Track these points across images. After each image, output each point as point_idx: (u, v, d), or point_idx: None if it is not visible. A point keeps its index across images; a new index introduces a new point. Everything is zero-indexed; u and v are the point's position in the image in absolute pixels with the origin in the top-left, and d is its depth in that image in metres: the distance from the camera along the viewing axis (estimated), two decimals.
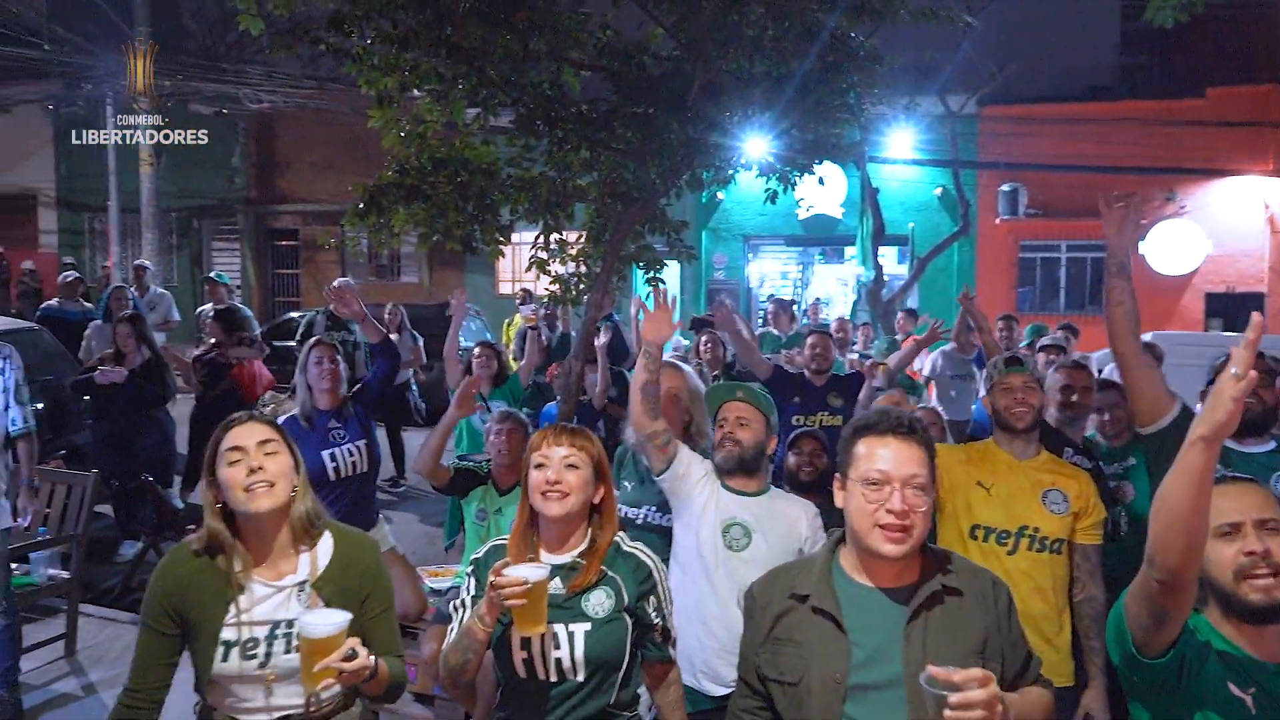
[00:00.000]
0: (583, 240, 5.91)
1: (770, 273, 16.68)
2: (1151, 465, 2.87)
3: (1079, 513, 2.90)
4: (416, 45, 4.91)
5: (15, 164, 18.09)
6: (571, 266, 5.91)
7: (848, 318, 10.95)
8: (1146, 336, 5.32)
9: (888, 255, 14.09)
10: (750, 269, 16.35)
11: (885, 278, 12.57)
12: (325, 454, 4.12)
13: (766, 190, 5.94)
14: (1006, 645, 1.85)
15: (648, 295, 5.27)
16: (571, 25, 5.17)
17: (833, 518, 3.03)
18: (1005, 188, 14.52)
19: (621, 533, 2.34)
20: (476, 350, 5.84)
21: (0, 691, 4.10)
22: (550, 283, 5.92)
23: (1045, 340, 6.80)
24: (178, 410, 7.07)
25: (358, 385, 4.49)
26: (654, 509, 3.24)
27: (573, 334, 7.10)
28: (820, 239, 16.05)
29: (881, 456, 1.82)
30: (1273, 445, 3.09)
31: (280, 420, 4.25)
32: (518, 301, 10.86)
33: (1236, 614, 1.75)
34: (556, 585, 2.19)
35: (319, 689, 1.91)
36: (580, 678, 2.17)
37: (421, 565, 4.76)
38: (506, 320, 11.22)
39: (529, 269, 5.82)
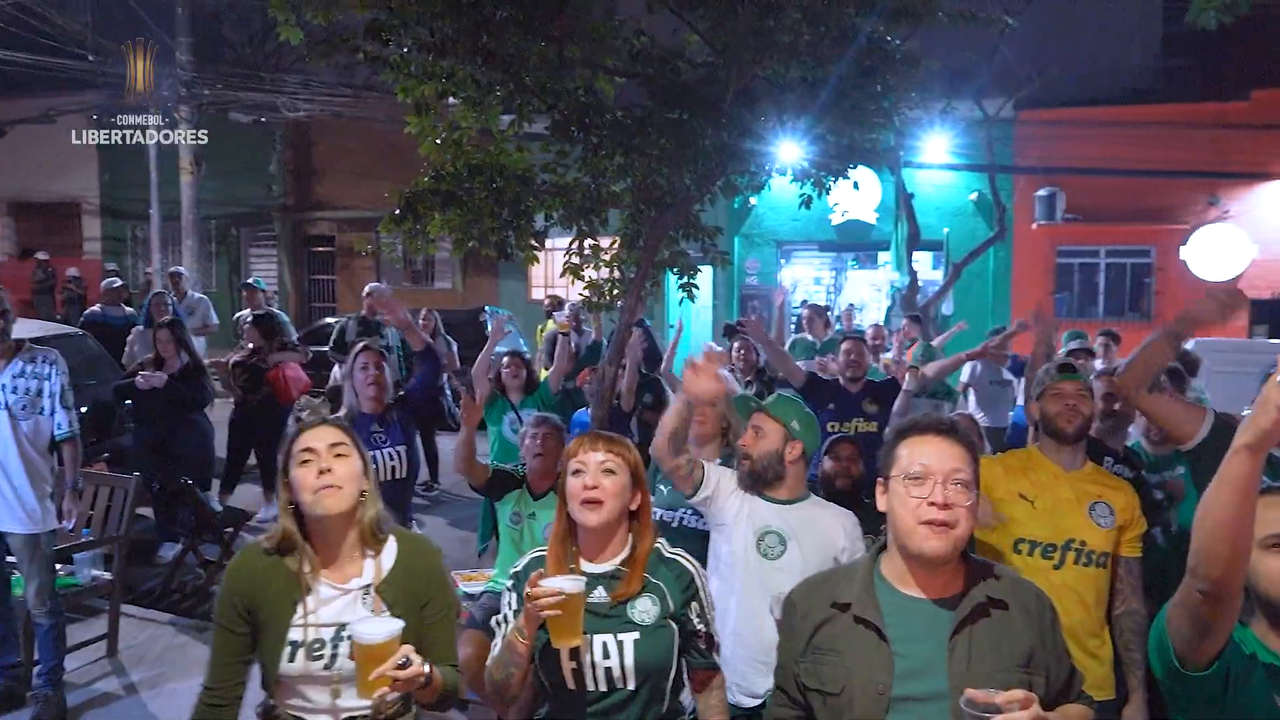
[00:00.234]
0: (616, 246, 5.92)
1: (803, 278, 16.59)
2: (1196, 479, 2.83)
3: (1124, 525, 2.84)
4: (453, 53, 4.96)
5: (61, 173, 18.51)
6: (605, 272, 5.92)
7: (882, 324, 10.86)
8: (1188, 344, 5.22)
9: (922, 261, 13.96)
10: (783, 274, 16.27)
11: (920, 283, 12.46)
12: None
13: (801, 195, 5.91)
14: (1051, 660, 1.81)
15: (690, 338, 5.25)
16: (607, 32, 5.18)
17: (869, 527, 3.02)
18: (1042, 192, 14.34)
19: (662, 539, 2.33)
20: (505, 360, 5.86)
21: (46, 689, 4.18)
22: (584, 288, 5.93)
23: (1073, 344, 6.69)
24: (216, 414, 7.17)
25: (401, 394, 4.54)
26: (689, 512, 3.22)
27: (604, 341, 7.10)
28: (854, 244, 15.94)
29: (923, 453, 1.80)
30: None
31: None
32: (546, 308, 10.88)
33: None
34: (600, 594, 2.18)
35: (376, 696, 1.92)
36: (631, 686, 2.15)
37: (455, 569, 4.78)
38: (540, 325, 11.27)
39: (563, 274, 5.84)
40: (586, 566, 2.23)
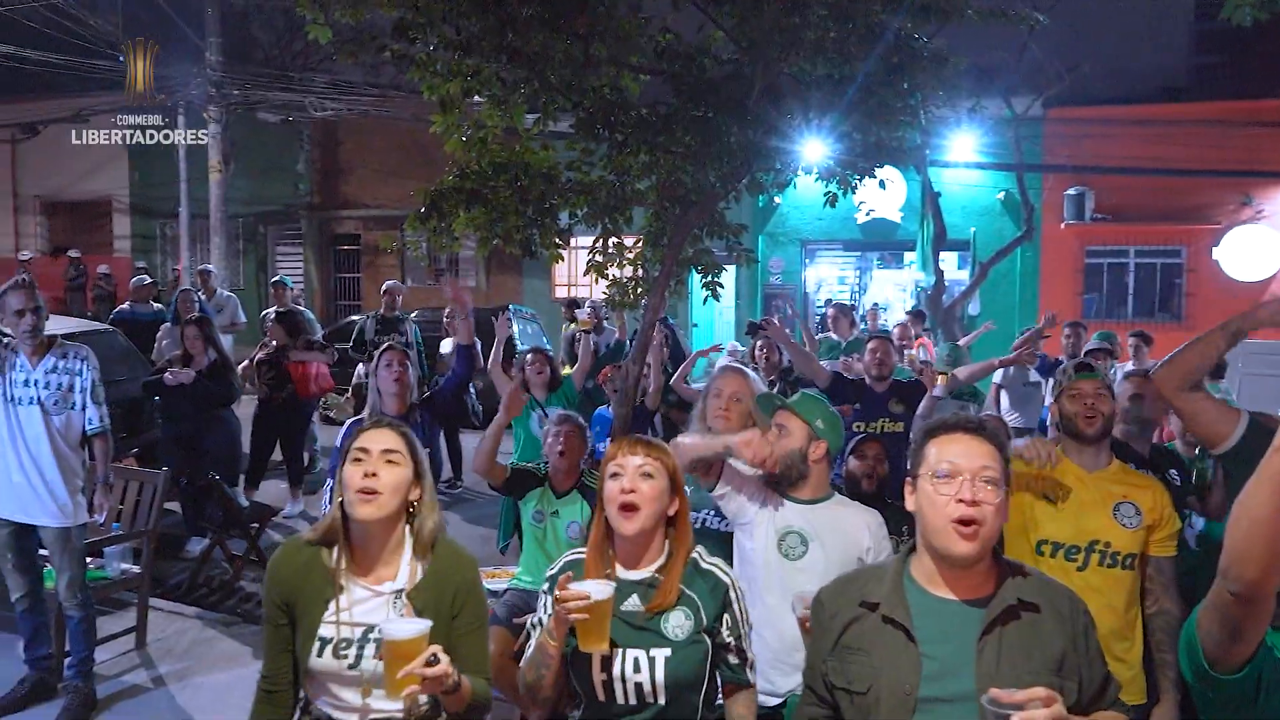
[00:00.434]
0: (640, 244, 5.91)
1: (828, 278, 16.51)
2: (1229, 481, 2.77)
3: (1152, 525, 2.79)
4: (478, 51, 4.97)
5: (92, 172, 18.77)
6: (629, 270, 5.91)
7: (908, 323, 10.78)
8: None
9: (948, 260, 13.84)
10: (807, 274, 16.20)
11: (946, 283, 12.36)
12: None
13: (826, 194, 5.88)
14: (1084, 665, 1.79)
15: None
16: (632, 29, 5.17)
17: (893, 528, 3.00)
18: (1071, 191, 14.18)
19: (700, 548, 2.31)
20: (529, 357, 5.87)
21: (76, 681, 4.23)
22: (608, 286, 5.93)
23: (1090, 345, 6.63)
24: (240, 411, 7.24)
25: (427, 394, 4.56)
26: (712, 512, 3.21)
27: (626, 340, 7.09)
28: (879, 244, 15.84)
29: (951, 451, 1.79)
30: None
31: (346, 423, 4.34)
32: (564, 314, 10.85)
33: None
34: (634, 603, 2.17)
35: (404, 695, 1.92)
36: (661, 701, 2.15)
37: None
38: (564, 325, 11.27)
39: (586, 272, 5.84)
40: (622, 573, 2.22)
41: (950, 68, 5.36)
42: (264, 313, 9.61)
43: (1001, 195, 14.61)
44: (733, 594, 2.25)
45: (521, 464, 4.18)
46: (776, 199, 14.18)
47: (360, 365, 8.78)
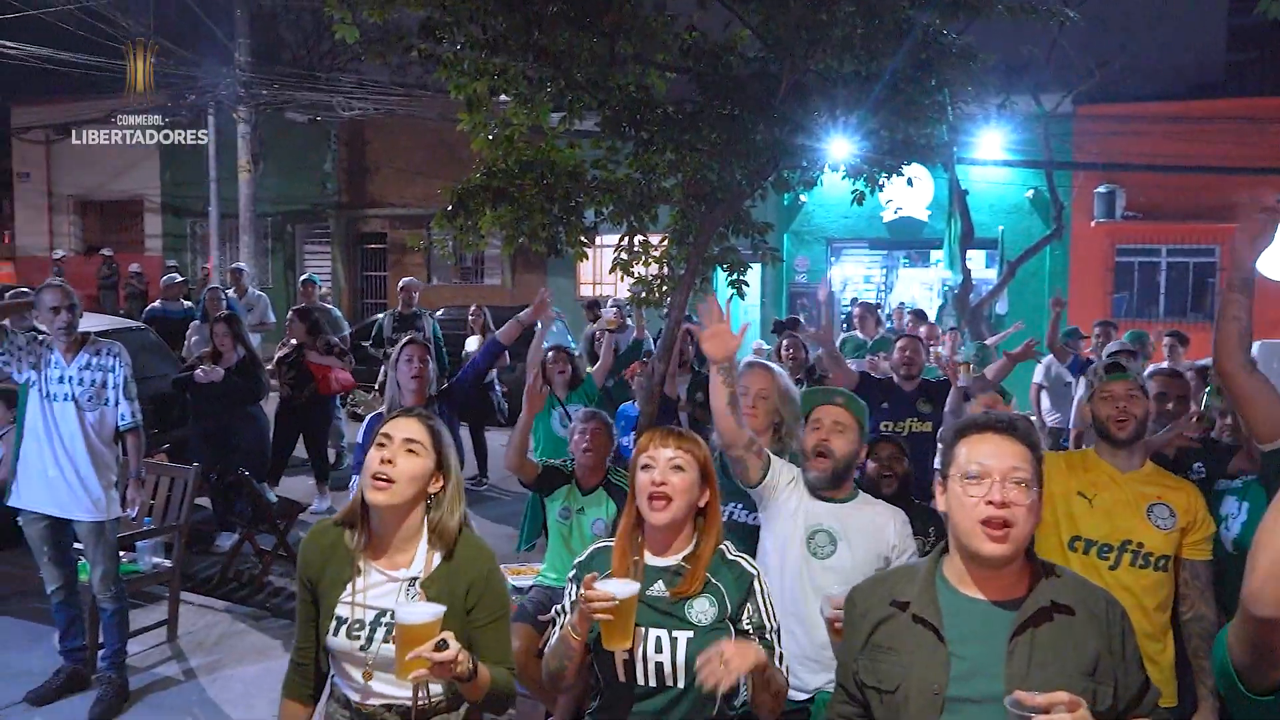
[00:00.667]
0: (666, 242, 5.91)
1: (853, 276, 16.41)
2: (1271, 484, 2.71)
3: (1186, 527, 2.75)
4: (505, 50, 4.99)
5: (124, 172, 19.05)
6: (655, 268, 5.91)
7: (934, 322, 10.72)
8: (1254, 346, 5.05)
9: (976, 259, 13.72)
10: (833, 272, 16.11)
11: (973, 282, 12.25)
12: None
13: (853, 191, 5.84)
14: (1120, 670, 1.76)
15: (694, 312, 5.18)
16: (658, 27, 5.17)
17: (916, 528, 2.97)
18: (1102, 189, 13.99)
19: (727, 541, 2.32)
20: (550, 355, 5.88)
21: (110, 672, 4.30)
22: (634, 284, 5.93)
23: (1113, 345, 6.58)
24: (266, 407, 7.31)
25: (445, 386, 4.58)
26: (739, 506, 3.20)
27: (645, 339, 7.08)
28: (905, 242, 15.72)
29: (981, 451, 1.77)
30: None
31: (367, 418, 4.37)
32: (587, 315, 10.85)
33: None
34: (659, 589, 2.19)
35: (412, 678, 1.94)
36: (680, 684, 2.15)
37: (502, 564, 4.80)
38: (588, 323, 11.27)
39: (612, 270, 5.85)
40: (650, 560, 2.24)
41: (979, 64, 5.32)
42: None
43: (1030, 193, 14.45)
44: (757, 585, 2.25)
45: (550, 461, 4.20)
46: (802, 197, 14.06)
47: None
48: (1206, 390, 5.36)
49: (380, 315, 9.23)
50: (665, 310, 5.85)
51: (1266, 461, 2.64)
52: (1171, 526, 2.72)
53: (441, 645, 1.89)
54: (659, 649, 2.14)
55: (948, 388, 5.04)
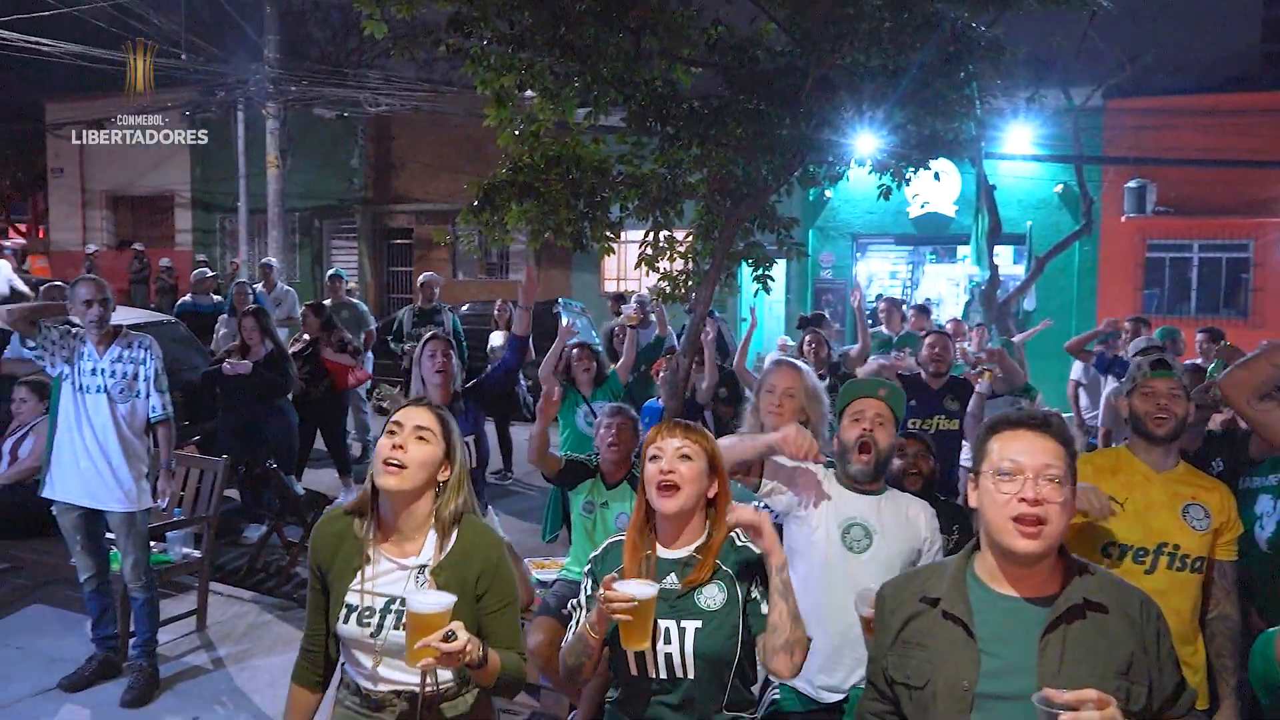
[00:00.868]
0: (691, 237, 5.90)
1: (879, 272, 16.31)
2: None
3: (1219, 528, 2.71)
4: (531, 45, 5.00)
5: (155, 168, 19.29)
6: (680, 264, 5.91)
7: (960, 318, 10.63)
8: None
9: (1003, 255, 13.59)
10: (858, 268, 16.02)
11: (1000, 278, 12.14)
12: None
13: (879, 186, 5.80)
14: (1154, 670, 1.74)
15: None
16: (684, 22, 5.16)
17: (942, 525, 2.95)
18: (1132, 184, 13.79)
19: (738, 529, 2.32)
20: (575, 353, 5.87)
21: (141, 660, 4.36)
22: (659, 279, 5.93)
23: (1140, 342, 6.52)
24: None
25: (473, 382, 4.61)
26: (761, 504, 3.19)
27: (666, 335, 7.06)
28: (931, 238, 15.59)
29: (1014, 448, 1.76)
30: None
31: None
32: (610, 304, 10.87)
33: None
34: (671, 581, 2.20)
35: (420, 666, 1.97)
36: (690, 675, 2.17)
37: (527, 558, 4.84)
38: (612, 317, 11.30)
39: (637, 265, 5.84)
40: (662, 552, 2.25)
41: (1007, 57, 5.26)
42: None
43: (1059, 188, 14.28)
44: (765, 563, 2.23)
45: (574, 456, 4.22)
46: (827, 192, 14.03)
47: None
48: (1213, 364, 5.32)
49: (401, 310, 9.29)
50: (689, 306, 5.84)
51: None
52: (1206, 528, 2.68)
53: (450, 636, 1.91)
54: (668, 640, 2.16)
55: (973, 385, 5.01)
